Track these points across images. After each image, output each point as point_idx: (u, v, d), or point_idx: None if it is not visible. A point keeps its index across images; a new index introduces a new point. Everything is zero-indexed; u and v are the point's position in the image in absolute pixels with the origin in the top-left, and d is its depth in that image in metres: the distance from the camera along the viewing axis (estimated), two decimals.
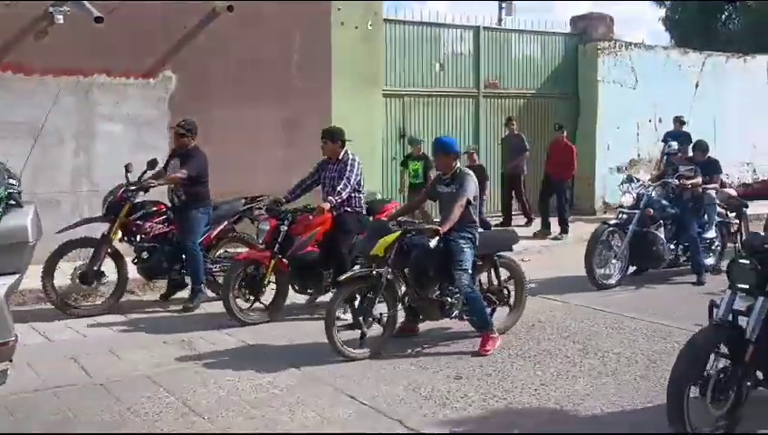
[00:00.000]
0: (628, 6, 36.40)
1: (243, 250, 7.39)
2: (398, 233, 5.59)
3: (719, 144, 14.82)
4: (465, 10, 24.95)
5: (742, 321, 3.97)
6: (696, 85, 14.75)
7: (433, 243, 5.46)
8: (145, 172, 7.23)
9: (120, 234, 7.05)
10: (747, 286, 3.94)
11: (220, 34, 9.69)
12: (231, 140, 9.44)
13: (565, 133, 11.59)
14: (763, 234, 4.35)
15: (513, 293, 6.30)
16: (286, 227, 6.48)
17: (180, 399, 4.75)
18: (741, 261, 4.03)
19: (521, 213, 12.13)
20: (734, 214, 8.93)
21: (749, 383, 4.00)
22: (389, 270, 5.52)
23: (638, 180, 8.77)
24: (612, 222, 8.28)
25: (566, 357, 5.61)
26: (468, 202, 5.69)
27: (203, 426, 4.35)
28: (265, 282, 6.57)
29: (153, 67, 9.39)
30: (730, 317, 4.02)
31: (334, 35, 10.54)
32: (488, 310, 5.95)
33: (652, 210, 8.06)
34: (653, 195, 8.20)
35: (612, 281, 8.04)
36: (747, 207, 8.99)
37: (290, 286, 6.77)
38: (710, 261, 8.66)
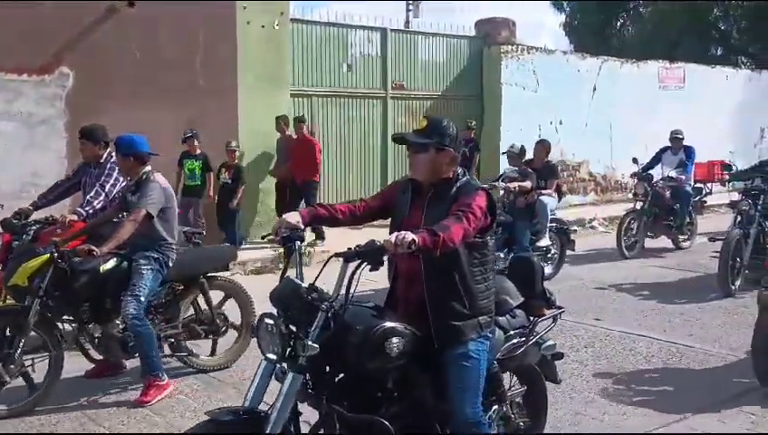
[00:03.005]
0: (530, 11, 37.71)
1: None
2: (45, 257, 4.63)
3: (615, 146, 15.67)
4: (373, 10, 25.09)
5: None
6: (594, 89, 15.41)
7: (108, 265, 4.75)
8: None
9: None
10: (274, 357, 2.85)
11: (122, 32, 9.38)
12: None
13: (306, 126, 10.53)
14: (295, 278, 3.00)
15: (234, 319, 5.50)
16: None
17: (79, 407, 4.59)
18: (267, 320, 2.85)
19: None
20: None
21: None
22: (42, 302, 4.55)
23: None
24: None
25: None
26: (150, 216, 4.81)
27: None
28: None
29: (49, 64, 9.00)
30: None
31: (240, 34, 10.39)
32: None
33: None
34: None
35: None
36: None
37: None
38: (548, 270, 8.03)
